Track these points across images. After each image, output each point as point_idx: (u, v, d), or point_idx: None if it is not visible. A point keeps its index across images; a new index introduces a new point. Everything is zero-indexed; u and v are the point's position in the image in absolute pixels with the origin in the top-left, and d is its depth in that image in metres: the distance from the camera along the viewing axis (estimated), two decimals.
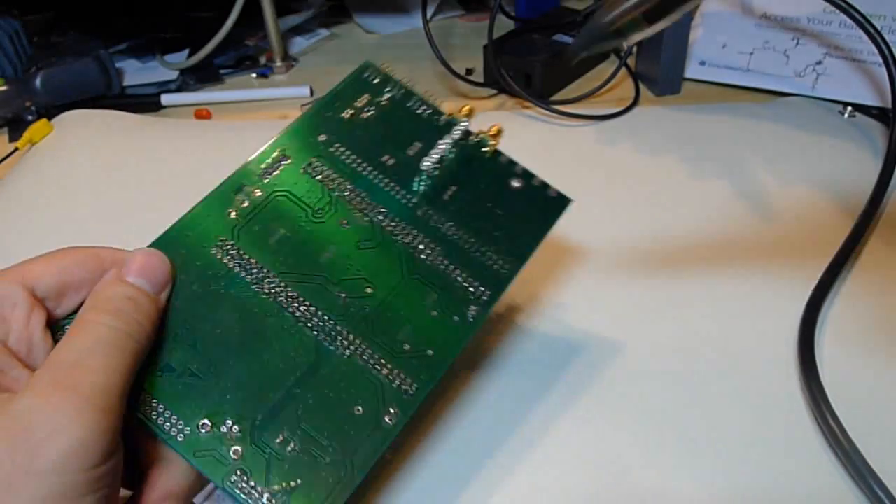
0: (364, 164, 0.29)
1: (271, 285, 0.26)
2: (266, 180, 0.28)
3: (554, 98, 0.58)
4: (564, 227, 0.30)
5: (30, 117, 0.58)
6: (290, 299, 0.26)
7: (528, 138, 0.52)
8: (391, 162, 0.30)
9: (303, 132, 0.30)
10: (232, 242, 0.26)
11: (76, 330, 0.21)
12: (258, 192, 0.28)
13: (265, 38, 0.69)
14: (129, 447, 0.21)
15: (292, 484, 0.22)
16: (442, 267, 0.27)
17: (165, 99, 0.62)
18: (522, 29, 0.63)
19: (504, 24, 0.67)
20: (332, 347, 0.25)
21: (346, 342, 0.25)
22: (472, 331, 0.26)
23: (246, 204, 0.27)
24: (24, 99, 0.59)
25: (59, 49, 0.69)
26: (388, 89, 0.32)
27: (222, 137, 0.53)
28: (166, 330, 0.24)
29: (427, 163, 0.29)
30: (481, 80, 0.61)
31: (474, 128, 0.31)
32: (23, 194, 0.47)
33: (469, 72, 0.63)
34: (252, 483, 0.22)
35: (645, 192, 0.45)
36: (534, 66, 0.56)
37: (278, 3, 0.66)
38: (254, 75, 0.68)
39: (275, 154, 0.29)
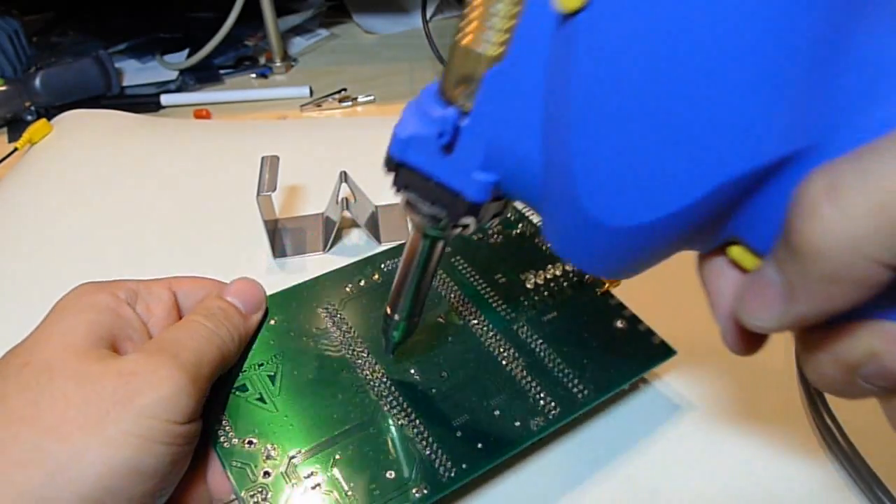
0: (477, 277, 0.33)
1: (356, 349, 0.29)
2: (385, 268, 0.33)
3: None
4: None
5: (29, 117, 0.58)
6: (367, 364, 0.29)
7: None
8: (503, 280, 0.32)
9: None
10: (337, 308, 0.31)
11: (179, 323, 0.27)
12: (375, 277, 0.33)
13: (265, 38, 0.69)
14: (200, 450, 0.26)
15: None
16: (519, 377, 0.28)
17: (165, 99, 0.62)
18: None
19: None
20: (387, 413, 0.27)
21: (402, 413, 0.27)
22: (529, 439, 0.26)
23: (362, 283, 0.32)
24: (24, 99, 0.59)
25: (58, 49, 0.70)
26: (520, 225, 0.35)
27: (222, 137, 0.53)
28: (253, 358, 0.29)
29: (532, 283, 0.32)
30: None
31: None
32: (22, 194, 0.47)
33: None
34: (268, 503, 0.24)
35: None
36: None
37: (278, 3, 0.66)
38: (253, 75, 0.68)
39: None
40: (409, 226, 0.25)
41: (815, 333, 0.17)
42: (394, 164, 0.21)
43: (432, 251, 0.24)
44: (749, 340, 0.19)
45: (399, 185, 0.22)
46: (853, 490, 0.27)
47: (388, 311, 0.27)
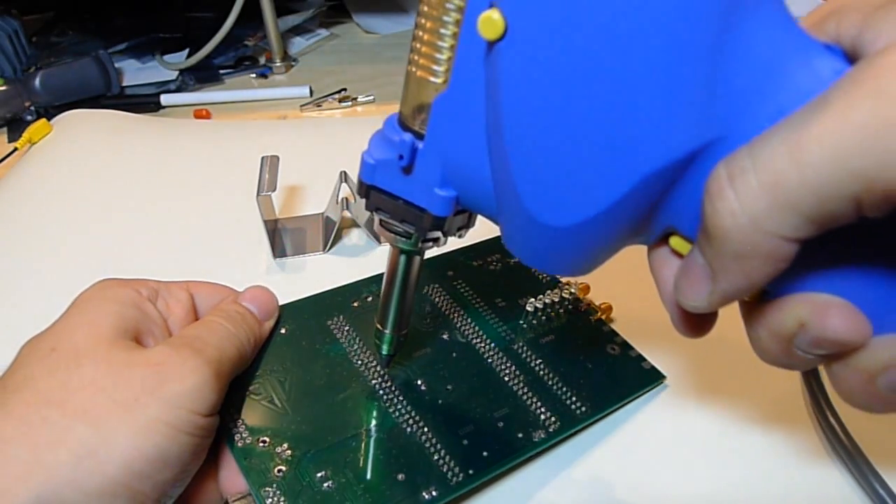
0: (478, 300, 0.34)
1: (365, 361, 0.30)
2: None
3: None
4: None
5: (29, 117, 0.58)
6: (375, 373, 0.30)
7: None
8: (502, 304, 0.34)
9: (436, 265, 0.35)
10: (345, 322, 0.32)
11: (200, 322, 0.28)
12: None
13: (265, 38, 0.69)
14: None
15: None
16: (520, 392, 0.29)
17: (165, 99, 0.62)
18: None
19: None
20: (398, 420, 0.28)
21: (411, 420, 0.28)
22: (532, 450, 0.27)
23: (370, 300, 0.33)
24: (24, 99, 0.59)
25: (58, 49, 0.70)
26: None
27: (222, 137, 0.53)
28: (265, 364, 0.29)
29: (531, 307, 0.33)
30: None
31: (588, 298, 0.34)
32: (22, 194, 0.47)
33: None
34: (282, 499, 0.24)
35: None
36: None
37: (278, 3, 0.66)
38: (253, 75, 0.68)
39: None
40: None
41: (754, 310, 0.19)
42: (365, 187, 0.23)
43: (410, 266, 0.26)
44: (695, 324, 0.21)
45: (371, 206, 0.23)
46: (855, 489, 0.27)
47: (378, 325, 0.28)
